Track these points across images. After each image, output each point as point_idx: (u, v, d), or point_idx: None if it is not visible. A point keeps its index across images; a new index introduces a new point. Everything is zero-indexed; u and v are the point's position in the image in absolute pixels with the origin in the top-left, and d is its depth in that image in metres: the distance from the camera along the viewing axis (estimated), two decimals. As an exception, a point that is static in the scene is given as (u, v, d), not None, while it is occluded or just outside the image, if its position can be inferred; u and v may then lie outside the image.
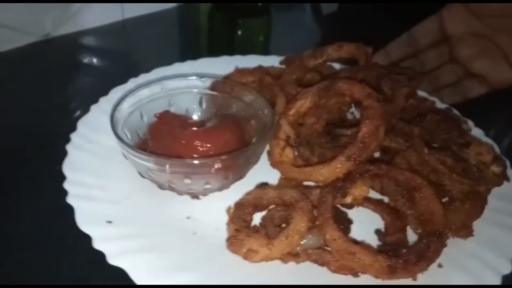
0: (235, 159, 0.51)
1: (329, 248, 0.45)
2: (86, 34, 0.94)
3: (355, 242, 0.44)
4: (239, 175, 0.54)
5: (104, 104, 0.62)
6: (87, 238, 0.44)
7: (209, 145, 0.52)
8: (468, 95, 0.73)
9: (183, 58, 0.76)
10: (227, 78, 0.67)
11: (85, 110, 0.61)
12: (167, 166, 0.49)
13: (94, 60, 0.87)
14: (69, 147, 0.54)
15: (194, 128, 0.55)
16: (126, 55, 0.93)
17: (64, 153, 0.53)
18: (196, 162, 0.49)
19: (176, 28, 1.07)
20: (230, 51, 0.81)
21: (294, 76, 0.67)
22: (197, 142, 0.52)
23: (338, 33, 0.76)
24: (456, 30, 0.71)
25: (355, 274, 0.44)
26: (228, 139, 0.53)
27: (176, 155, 0.50)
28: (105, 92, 0.65)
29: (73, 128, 0.57)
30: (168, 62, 0.74)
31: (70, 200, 0.47)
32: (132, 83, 0.67)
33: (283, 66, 0.72)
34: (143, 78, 0.69)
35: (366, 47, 0.66)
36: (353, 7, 1.17)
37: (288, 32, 1.07)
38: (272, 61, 0.75)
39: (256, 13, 1.08)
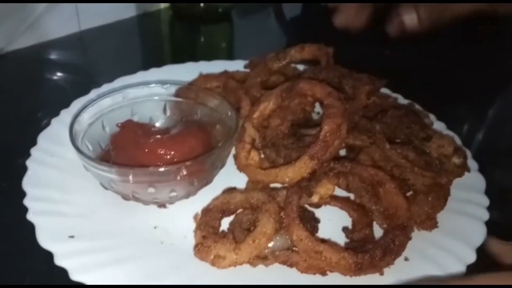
0: (200, 165, 0.50)
1: (297, 249, 0.45)
2: (42, 48, 0.91)
3: (322, 241, 0.45)
4: (205, 181, 0.53)
5: (65, 117, 0.61)
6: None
7: (173, 152, 0.51)
8: None
9: (144, 68, 0.75)
10: (191, 84, 0.67)
11: (45, 125, 0.60)
12: (130, 176, 0.48)
13: (52, 74, 0.84)
14: (29, 163, 0.53)
15: (158, 136, 0.54)
16: (85, 66, 0.91)
17: (24, 169, 0.52)
18: (159, 169, 0.48)
19: (136, 38, 1.05)
20: (193, 59, 0.80)
21: (258, 79, 0.68)
22: (161, 150, 0.51)
23: (301, 36, 0.76)
24: None
25: (323, 273, 0.44)
26: (193, 145, 0.53)
27: (140, 164, 0.49)
28: (65, 106, 0.63)
29: (33, 143, 0.56)
30: (129, 72, 0.73)
31: (30, 217, 0.46)
32: (94, 93, 0.66)
33: (248, 70, 0.72)
34: (105, 87, 0.68)
35: (327, 48, 0.67)
36: (315, 10, 1.18)
37: (253, 37, 1.07)
38: (237, 65, 0.76)
39: (216, 19, 1.08)
